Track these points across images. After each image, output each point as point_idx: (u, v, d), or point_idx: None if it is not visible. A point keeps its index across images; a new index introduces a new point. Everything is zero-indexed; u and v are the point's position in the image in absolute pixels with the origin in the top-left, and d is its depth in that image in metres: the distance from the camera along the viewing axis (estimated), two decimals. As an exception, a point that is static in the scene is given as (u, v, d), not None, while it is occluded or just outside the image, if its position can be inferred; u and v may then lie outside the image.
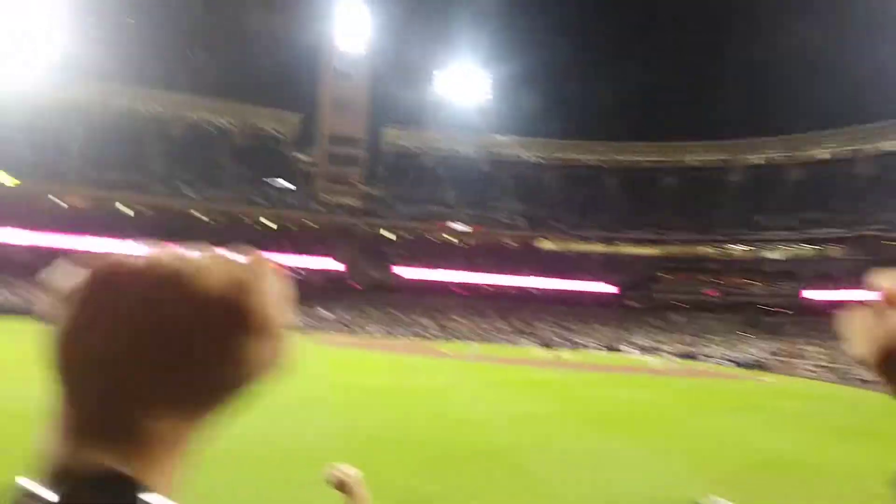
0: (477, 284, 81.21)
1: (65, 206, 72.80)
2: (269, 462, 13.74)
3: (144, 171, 74.82)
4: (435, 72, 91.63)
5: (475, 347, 49.98)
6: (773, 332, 70.25)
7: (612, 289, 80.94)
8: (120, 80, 77.52)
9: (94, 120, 77.55)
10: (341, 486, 2.21)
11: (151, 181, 74.54)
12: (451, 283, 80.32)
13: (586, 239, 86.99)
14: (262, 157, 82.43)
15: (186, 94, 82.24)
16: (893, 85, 75.53)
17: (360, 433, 17.63)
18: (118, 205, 75.47)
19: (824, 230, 74.44)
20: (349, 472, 2.27)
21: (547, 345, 68.69)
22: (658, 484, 13.50)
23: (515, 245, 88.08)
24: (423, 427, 19.05)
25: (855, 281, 67.16)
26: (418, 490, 12.23)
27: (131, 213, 75.45)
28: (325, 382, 28.28)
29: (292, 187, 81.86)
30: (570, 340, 70.46)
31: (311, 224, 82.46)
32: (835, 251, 76.69)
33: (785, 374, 56.06)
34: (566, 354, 58.05)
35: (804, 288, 71.61)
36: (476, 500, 11.59)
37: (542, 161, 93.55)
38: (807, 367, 58.42)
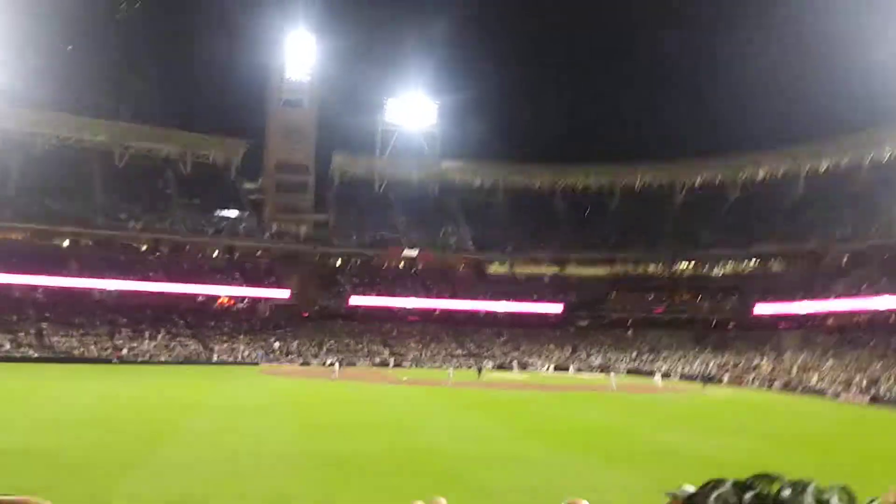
0: (429, 309, 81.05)
1: None
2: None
3: (86, 203, 72.93)
4: (383, 99, 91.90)
5: (451, 373, 49.91)
6: (721, 346, 71.72)
7: (559, 309, 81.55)
8: (60, 109, 75.70)
9: (33, 151, 75.49)
10: None
11: (94, 213, 72.65)
12: (404, 309, 80.00)
13: (536, 261, 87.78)
14: (209, 186, 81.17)
15: (130, 122, 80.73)
16: (827, 105, 78.45)
17: (321, 460, 17.36)
18: (58, 239, 73.41)
19: (764, 246, 76.59)
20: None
21: (501, 366, 68.92)
22: (606, 489, 13.63)
23: (466, 269, 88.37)
24: (391, 453, 18.88)
25: (799, 294, 69.25)
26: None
27: (69, 245, 73.40)
28: (279, 416, 27.84)
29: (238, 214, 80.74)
30: (523, 362, 70.74)
31: (260, 253, 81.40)
32: (777, 266, 78.91)
33: (734, 386, 57.20)
34: (518, 375, 58.31)
35: (749, 302, 73.36)
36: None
37: (490, 185, 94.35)
38: (755, 378, 59.73)
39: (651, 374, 60.77)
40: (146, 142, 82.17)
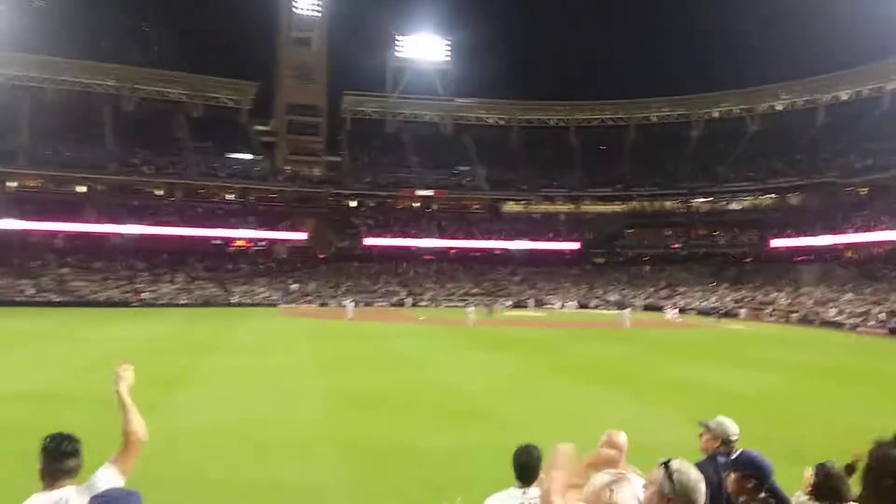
0: (445, 249, 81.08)
1: (14, 187, 70.77)
2: (248, 433, 13.58)
3: (98, 149, 72.77)
4: (394, 36, 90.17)
5: (473, 312, 48.20)
6: (738, 280, 71.49)
7: (576, 246, 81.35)
8: (67, 55, 74.92)
9: (42, 97, 75.10)
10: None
11: (106, 158, 72.56)
12: (419, 249, 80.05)
13: (551, 199, 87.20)
14: (221, 129, 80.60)
15: (138, 66, 79.84)
16: (846, 36, 76.25)
17: (343, 397, 17.49)
18: (73, 185, 73.52)
19: (783, 179, 75.53)
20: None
21: (518, 305, 69.16)
22: (635, 427, 13.59)
23: (481, 208, 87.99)
24: (408, 390, 18.99)
25: (817, 227, 68.54)
26: (417, 445, 12.24)
27: (85, 191, 73.58)
28: (305, 355, 28.05)
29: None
30: (539, 300, 70.95)
31: (274, 196, 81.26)
32: (795, 199, 77.99)
33: (751, 320, 57.15)
34: (535, 313, 58.50)
35: (767, 236, 72.81)
36: (469, 453, 11.56)
37: (504, 123, 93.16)
38: (772, 312, 59.63)
39: (669, 308, 60.76)
40: (155, 85, 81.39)
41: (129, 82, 79.34)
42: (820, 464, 4.10)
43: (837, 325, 50.80)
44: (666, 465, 3.43)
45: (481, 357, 27.28)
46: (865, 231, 64.12)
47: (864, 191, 70.87)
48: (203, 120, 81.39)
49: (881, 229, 62.29)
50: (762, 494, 4.11)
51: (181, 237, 71.07)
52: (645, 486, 3.42)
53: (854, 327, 49.35)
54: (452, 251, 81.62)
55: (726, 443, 5.26)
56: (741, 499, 4.15)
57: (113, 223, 68.80)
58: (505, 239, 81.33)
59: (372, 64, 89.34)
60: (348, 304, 54.38)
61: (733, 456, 4.70)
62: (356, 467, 10.86)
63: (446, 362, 25.38)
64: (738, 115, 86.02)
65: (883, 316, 49.50)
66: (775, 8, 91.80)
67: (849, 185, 70.54)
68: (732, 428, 5.32)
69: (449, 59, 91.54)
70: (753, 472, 4.12)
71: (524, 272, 79.24)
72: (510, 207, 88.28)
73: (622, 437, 4.63)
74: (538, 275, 78.21)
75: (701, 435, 5.50)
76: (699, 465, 4.53)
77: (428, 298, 70.54)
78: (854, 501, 3.73)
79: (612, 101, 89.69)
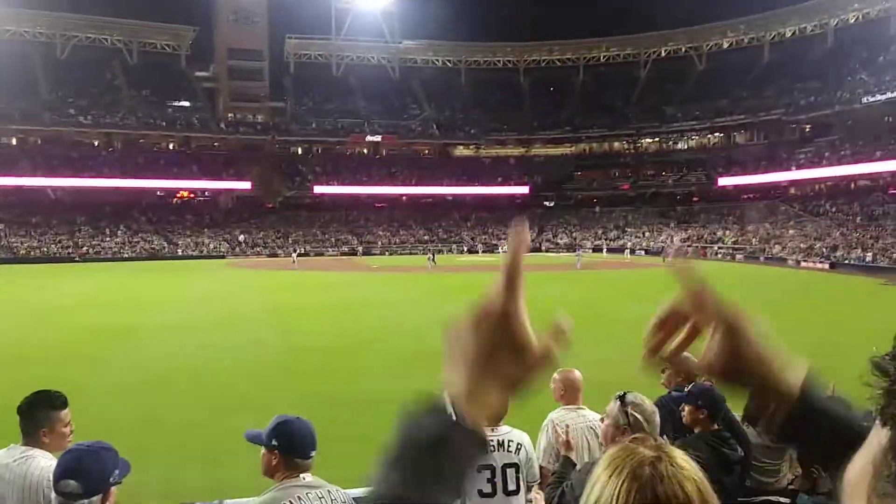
0: (396, 195, 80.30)
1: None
2: (208, 383, 13.22)
3: (32, 99, 69.39)
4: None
5: (432, 258, 48.49)
6: (686, 219, 72.64)
7: (526, 190, 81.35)
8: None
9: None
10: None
11: (40, 109, 69.25)
12: (370, 196, 79.14)
13: (501, 142, 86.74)
14: (159, 76, 77.44)
15: (71, 13, 75.81)
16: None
17: (315, 346, 17.15)
18: (6, 137, 70.24)
19: (730, 118, 76.31)
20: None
21: (471, 251, 69.25)
22: (597, 369, 13.58)
23: (431, 153, 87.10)
24: (376, 336, 18.76)
25: (762, 165, 69.73)
26: (391, 390, 12.02)
27: (18, 144, 70.44)
28: (262, 305, 27.52)
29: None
30: (491, 245, 71.09)
31: (217, 144, 78.99)
32: (740, 137, 79.02)
33: (698, 258, 58.24)
34: (486, 257, 58.60)
35: (714, 175, 73.85)
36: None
37: (452, 65, 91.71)
38: (719, 251, 60.91)
39: (617, 251, 61.52)
40: (88, 32, 77.51)
41: (61, 29, 75.40)
42: None
43: (782, 261, 52.13)
44: (622, 398, 3.45)
45: (437, 302, 27.12)
46: (809, 168, 65.45)
47: (807, 128, 72.10)
48: (140, 67, 78.08)
49: (824, 166, 63.64)
50: (715, 426, 4.22)
51: (122, 189, 68.80)
52: (602, 420, 3.63)
53: (797, 263, 50.72)
54: (404, 198, 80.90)
55: (689, 378, 5.13)
56: (696, 429, 4.28)
57: (50, 177, 66.15)
58: (456, 185, 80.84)
59: (314, 6, 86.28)
60: (292, 254, 54.26)
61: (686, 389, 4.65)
62: (313, 417, 10.56)
63: (401, 307, 25.17)
64: (685, 53, 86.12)
65: (824, 251, 50.95)
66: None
67: (793, 122, 71.63)
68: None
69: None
70: (705, 403, 4.24)
71: (476, 217, 79.17)
72: (460, 152, 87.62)
73: (576, 374, 4.95)
74: (489, 219, 78.16)
75: (663, 371, 5.42)
76: (659, 400, 4.53)
77: (380, 247, 70.07)
78: None
79: (560, 41, 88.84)
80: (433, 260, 49.52)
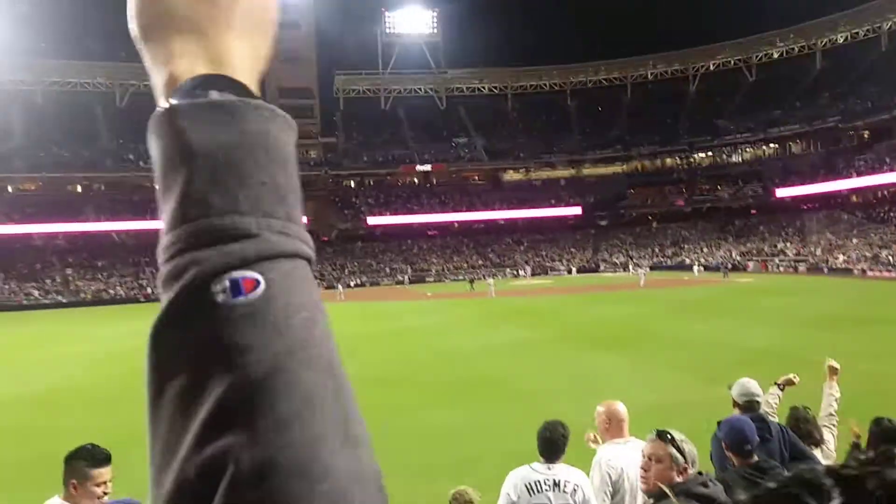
0: (448, 223, 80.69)
1: (12, 191, 70.55)
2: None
3: (93, 147, 72.36)
4: (380, 11, 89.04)
5: (491, 283, 48.37)
6: (744, 233, 71.13)
7: (578, 211, 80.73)
8: (55, 57, 74.18)
9: (33, 99, 74.58)
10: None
11: (102, 156, 72.12)
12: (422, 225, 79.71)
13: (551, 165, 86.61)
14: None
15: (127, 62, 78.96)
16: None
17: (365, 374, 17.37)
18: (71, 185, 73.27)
19: (784, 128, 74.78)
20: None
21: (535, 273, 69.05)
22: (654, 389, 13.46)
23: (481, 179, 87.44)
24: (424, 363, 18.93)
25: (820, 174, 68.00)
26: (433, 420, 12.15)
27: (83, 191, 73.37)
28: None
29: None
30: (546, 267, 70.78)
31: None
32: (796, 147, 77.29)
33: (760, 272, 56.91)
34: (540, 280, 58.32)
35: (771, 187, 72.27)
36: (488, 425, 11.44)
37: (498, 91, 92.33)
38: (780, 263, 59.38)
39: (677, 268, 60.50)
40: (146, 80, 79.90)
41: (119, 79, 78.67)
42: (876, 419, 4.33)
43: (846, 272, 50.53)
44: (670, 438, 3.18)
45: (495, 328, 27.13)
46: (869, 174, 63.55)
47: (865, 134, 70.14)
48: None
49: (885, 171, 61.69)
50: (754, 459, 3.84)
51: (183, 230, 70.65)
52: (645, 457, 3.22)
53: (863, 272, 49.11)
54: (456, 224, 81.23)
55: (749, 403, 5.02)
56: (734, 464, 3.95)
57: (113, 220, 68.64)
58: (507, 208, 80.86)
59: (361, 42, 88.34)
60: (338, 286, 55.73)
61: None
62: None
63: (456, 335, 25.26)
64: (735, 66, 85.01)
65: (891, 259, 49.25)
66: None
67: (850, 129, 69.79)
68: (747, 388, 5.07)
69: (436, 30, 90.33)
70: (726, 440, 3.94)
71: (528, 240, 78.95)
72: (510, 176, 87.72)
73: (620, 407, 4.54)
74: (542, 242, 77.86)
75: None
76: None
77: (434, 274, 70.38)
78: None
79: (606, 61, 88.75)
80: (472, 287, 50.08)
